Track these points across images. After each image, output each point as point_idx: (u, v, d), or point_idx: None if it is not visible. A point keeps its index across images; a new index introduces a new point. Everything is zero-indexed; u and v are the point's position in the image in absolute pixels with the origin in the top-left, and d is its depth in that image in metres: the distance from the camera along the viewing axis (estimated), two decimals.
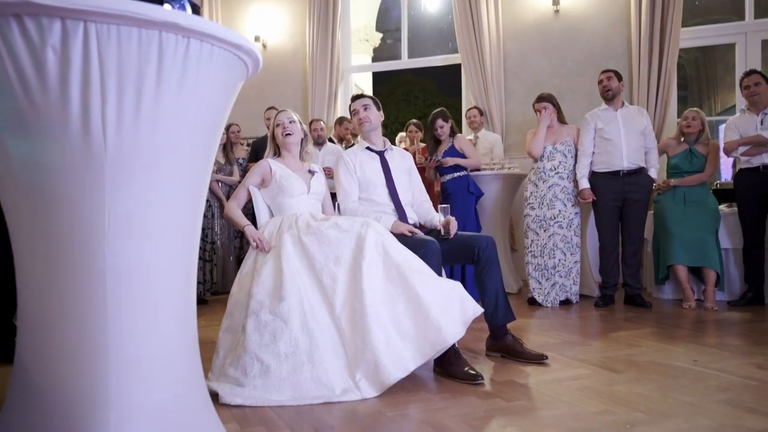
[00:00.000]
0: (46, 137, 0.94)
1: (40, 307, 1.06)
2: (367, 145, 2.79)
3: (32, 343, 1.10)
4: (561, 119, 4.07)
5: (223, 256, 4.78)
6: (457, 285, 2.21)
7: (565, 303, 3.96)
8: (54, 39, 0.88)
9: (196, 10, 1.08)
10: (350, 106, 2.83)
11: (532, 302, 3.98)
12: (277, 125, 2.58)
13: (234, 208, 2.49)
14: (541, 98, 4.06)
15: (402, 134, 5.71)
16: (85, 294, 1.01)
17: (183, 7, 1.04)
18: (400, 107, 18.57)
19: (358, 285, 2.10)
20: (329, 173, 4.45)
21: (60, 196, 0.97)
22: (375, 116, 2.77)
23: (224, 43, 1.04)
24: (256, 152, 4.81)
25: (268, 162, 2.53)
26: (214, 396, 1.96)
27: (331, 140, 5.20)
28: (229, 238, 4.84)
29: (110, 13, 0.87)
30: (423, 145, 4.87)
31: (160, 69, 0.97)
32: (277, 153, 2.62)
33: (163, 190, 1.06)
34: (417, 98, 19.52)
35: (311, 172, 2.60)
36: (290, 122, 2.57)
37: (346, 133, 5.28)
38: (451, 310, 2.11)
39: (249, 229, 2.38)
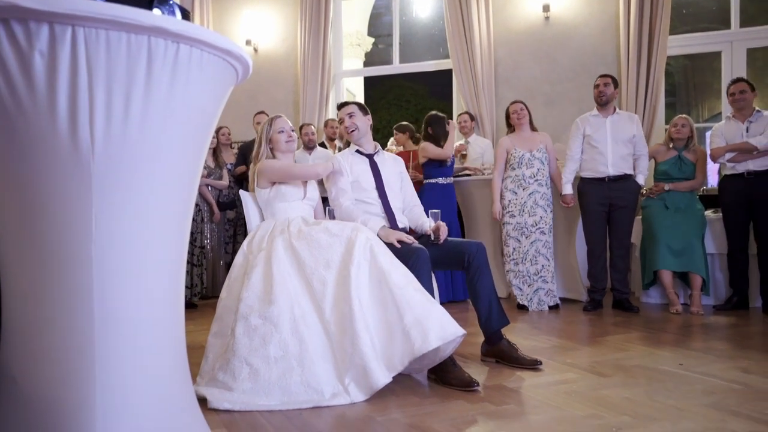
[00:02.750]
0: (34, 142, 0.94)
1: (26, 312, 1.05)
2: (357, 148, 2.80)
3: (18, 348, 1.09)
4: (532, 127, 4.11)
5: (213, 261, 4.76)
6: (439, 306, 2.20)
7: (554, 307, 3.98)
8: (42, 44, 0.88)
9: (186, 15, 1.08)
10: (338, 114, 2.86)
11: (522, 307, 4.00)
12: (280, 132, 2.56)
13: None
14: (515, 102, 4.13)
15: (392, 139, 5.72)
16: (71, 299, 1.00)
17: (173, 12, 1.04)
18: (392, 111, 18.60)
19: (347, 290, 2.10)
20: None
21: (47, 201, 0.96)
22: (362, 122, 2.78)
23: (214, 48, 1.05)
24: (245, 156, 4.81)
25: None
26: (203, 401, 1.95)
27: (322, 145, 5.21)
28: (219, 242, 4.82)
29: (98, 18, 0.88)
30: (415, 148, 4.86)
31: (149, 74, 0.97)
32: (272, 158, 2.61)
33: (152, 194, 1.06)
34: (408, 102, 19.56)
35: None
36: (292, 131, 2.60)
37: (332, 133, 5.31)
38: (426, 324, 2.07)
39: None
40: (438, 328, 2.08)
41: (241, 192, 2.53)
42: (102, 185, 0.99)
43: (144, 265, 1.08)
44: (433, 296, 2.33)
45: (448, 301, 4.29)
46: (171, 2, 1.05)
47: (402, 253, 2.36)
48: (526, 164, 3.99)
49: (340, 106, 2.85)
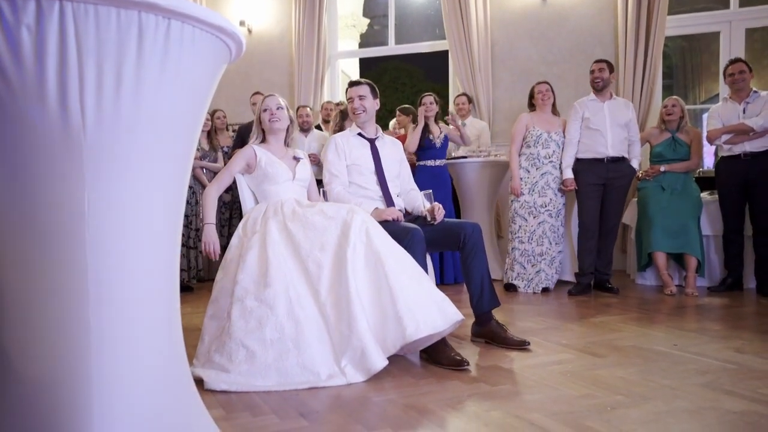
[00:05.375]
0: (23, 120, 0.92)
1: (21, 293, 1.04)
2: (359, 131, 2.77)
3: (13, 331, 1.08)
4: (554, 110, 4.08)
5: None
6: (438, 292, 2.21)
7: (545, 290, 3.99)
8: (29, 18, 0.86)
9: None
10: (346, 90, 2.79)
11: (509, 288, 4.00)
12: (264, 110, 2.54)
13: (211, 195, 2.43)
14: (541, 82, 4.08)
15: (393, 121, 5.65)
16: (66, 280, 0.99)
17: None
18: (387, 94, 18.49)
19: (343, 272, 2.10)
20: (315, 160, 4.44)
21: (38, 181, 0.95)
22: (370, 105, 2.73)
23: (206, 25, 1.02)
24: (242, 138, 4.77)
25: (254, 148, 2.50)
26: (199, 382, 1.95)
27: (318, 127, 5.17)
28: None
29: None
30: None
31: (140, 50, 0.95)
32: (263, 139, 2.60)
33: (145, 174, 1.05)
34: (404, 84, 19.46)
35: (296, 159, 2.58)
36: (278, 109, 2.53)
37: (327, 115, 5.26)
38: (419, 312, 2.08)
39: (209, 228, 2.35)
40: (431, 316, 2.09)
41: (237, 175, 2.51)
42: (94, 163, 0.97)
43: (138, 246, 1.07)
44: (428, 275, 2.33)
45: (439, 284, 4.31)
46: None
47: (396, 233, 2.36)
48: (542, 144, 3.96)
49: (352, 84, 2.76)
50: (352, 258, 2.12)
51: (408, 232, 2.38)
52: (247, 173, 2.51)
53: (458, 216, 4.74)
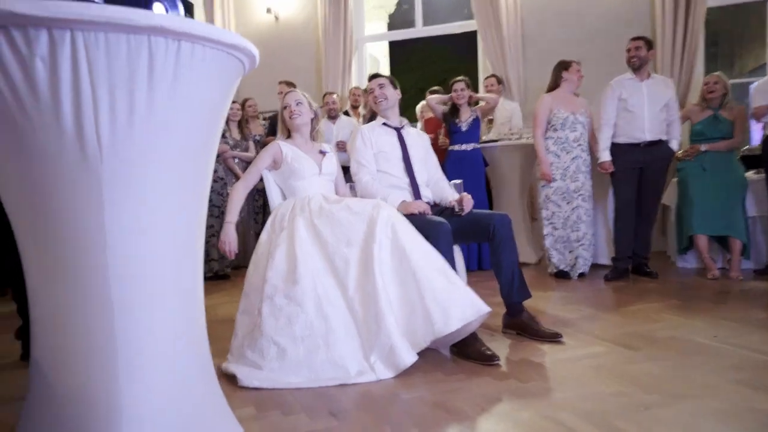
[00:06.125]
0: (41, 147, 0.94)
1: (48, 310, 1.08)
2: (384, 121, 2.78)
3: (45, 343, 1.13)
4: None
5: (243, 231, 4.82)
6: (462, 284, 2.19)
7: (581, 275, 3.91)
8: (42, 49, 0.87)
9: (189, 8, 1.05)
10: (367, 85, 2.86)
11: (562, 275, 3.90)
12: (285, 107, 2.55)
13: (238, 193, 2.44)
14: (578, 61, 3.93)
15: (423, 103, 5.55)
16: (90, 299, 1.02)
17: (175, 6, 1.02)
18: (418, 74, 18.25)
19: (369, 268, 2.10)
20: (342, 147, 4.44)
21: (59, 205, 0.97)
22: (391, 94, 2.77)
23: (216, 43, 1.02)
24: (274, 127, 4.81)
25: (279, 144, 2.51)
26: (233, 378, 2.01)
27: (346, 113, 5.15)
28: (248, 212, 4.88)
29: (96, 21, 0.86)
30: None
31: (152, 73, 0.96)
32: (288, 134, 2.61)
33: (163, 192, 1.06)
34: (434, 63, 19.15)
35: (322, 153, 2.58)
36: (297, 104, 2.53)
37: (356, 101, 5.21)
38: (447, 306, 2.07)
39: (228, 227, 2.35)
40: (459, 310, 2.08)
41: (263, 171, 2.53)
42: (112, 185, 0.99)
43: (159, 261, 1.09)
44: (455, 269, 2.31)
45: (476, 269, 4.29)
46: None
47: (422, 226, 2.34)
48: (569, 127, 3.82)
49: (372, 77, 2.84)
50: (378, 254, 2.12)
51: (434, 226, 2.36)
52: (274, 169, 2.52)
53: (490, 200, 4.68)
